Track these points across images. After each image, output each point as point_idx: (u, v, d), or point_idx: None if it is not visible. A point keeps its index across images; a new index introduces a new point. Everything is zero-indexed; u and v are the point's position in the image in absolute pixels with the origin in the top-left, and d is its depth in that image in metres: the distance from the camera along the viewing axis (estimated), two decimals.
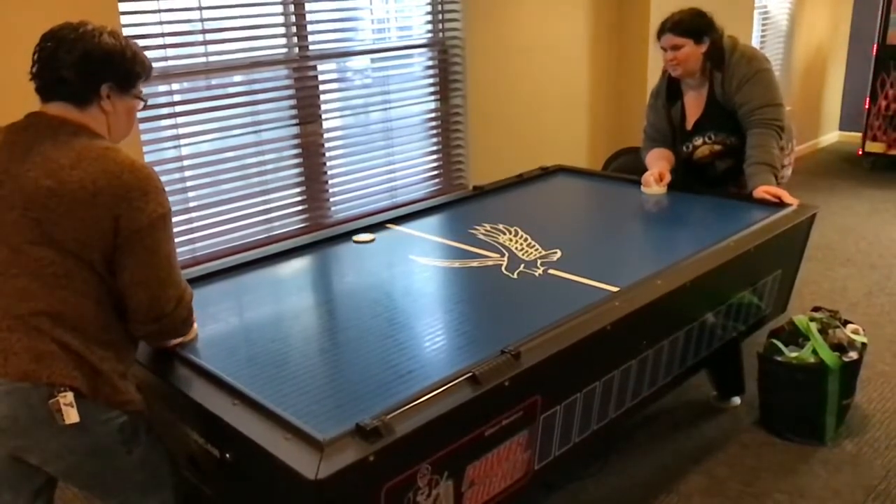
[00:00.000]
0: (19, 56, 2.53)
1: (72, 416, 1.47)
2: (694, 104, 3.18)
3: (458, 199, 3.13)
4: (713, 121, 3.14)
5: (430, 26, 3.90)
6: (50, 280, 1.50)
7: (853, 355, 2.64)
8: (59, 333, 1.49)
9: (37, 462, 1.56)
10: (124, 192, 1.51)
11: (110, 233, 1.51)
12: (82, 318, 1.52)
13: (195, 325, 1.91)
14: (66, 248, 1.50)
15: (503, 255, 2.47)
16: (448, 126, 4.06)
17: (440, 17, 3.90)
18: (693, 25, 2.98)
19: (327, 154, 3.57)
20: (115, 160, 1.53)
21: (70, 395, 1.47)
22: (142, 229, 1.53)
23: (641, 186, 3.11)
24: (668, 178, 3.09)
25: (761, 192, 2.89)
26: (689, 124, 3.20)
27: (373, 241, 2.63)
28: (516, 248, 2.52)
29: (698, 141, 3.20)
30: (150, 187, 1.54)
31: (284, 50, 3.34)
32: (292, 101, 3.40)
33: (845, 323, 2.80)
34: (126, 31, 2.81)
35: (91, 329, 1.53)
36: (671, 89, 3.22)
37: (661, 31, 3.03)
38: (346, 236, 2.69)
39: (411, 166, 3.96)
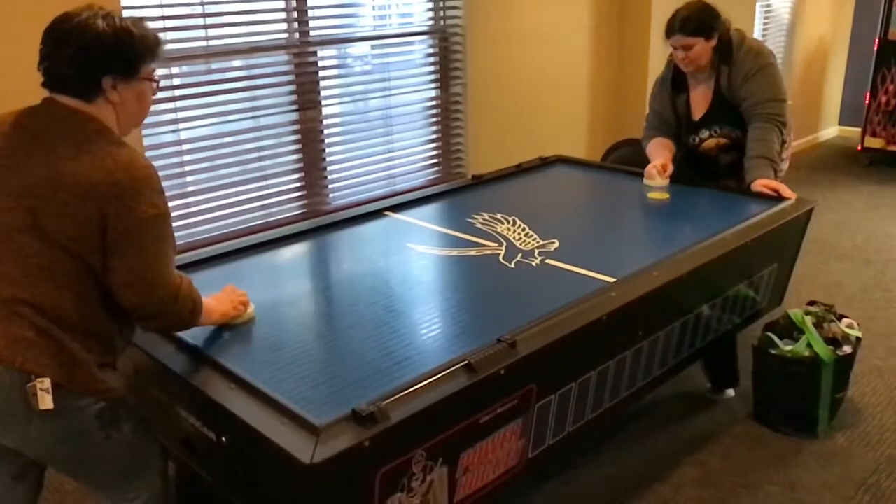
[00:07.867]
0: (17, 43, 2.53)
1: (46, 401, 1.45)
2: (701, 97, 3.17)
3: (456, 187, 3.13)
4: (719, 114, 3.13)
5: (430, 14, 3.88)
6: (32, 270, 1.47)
7: (847, 349, 2.65)
8: (40, 321, 1.46)
9: (13, 445, 1.55)
10: (117, 191, 1.46)
11: (98, 230, 1.47)
12: (63, 309, 1.49)
13: (250, 307, 1.92)
14: (53, 240, 1.47)
15: (501, 245, 2.47)
16: (448, 114, 4.05)
17: (441, 4, 3.88)
18: (702, 22, 2.96)
19: (326, 140, 3.57)
20: (114, 157, 1.48)
21: (47, 381, 1.45)
22: (129, 230, 1.48)
23: (644, 179, 3.06)
24: (670, 168, 3.07)
25: (759, 185, 2.89)
26: (696, 117, 3.19)
27: None
28: (514, 238, 2.53)
29: (704, 134, 3.19)
30: (145, 187, 1.49)
31: (285, 35, 3.33)
32: (292, 87, 3.39)
33: (840, 317, 2.80)
34: (127, 14, 2.79)
35: (71, 320, 1.49)
36: (676, 80, 3.21)
37: (670, 32, 3.00)
38: (345, 223, 2.69)
39: (410, 154, 3.96)
